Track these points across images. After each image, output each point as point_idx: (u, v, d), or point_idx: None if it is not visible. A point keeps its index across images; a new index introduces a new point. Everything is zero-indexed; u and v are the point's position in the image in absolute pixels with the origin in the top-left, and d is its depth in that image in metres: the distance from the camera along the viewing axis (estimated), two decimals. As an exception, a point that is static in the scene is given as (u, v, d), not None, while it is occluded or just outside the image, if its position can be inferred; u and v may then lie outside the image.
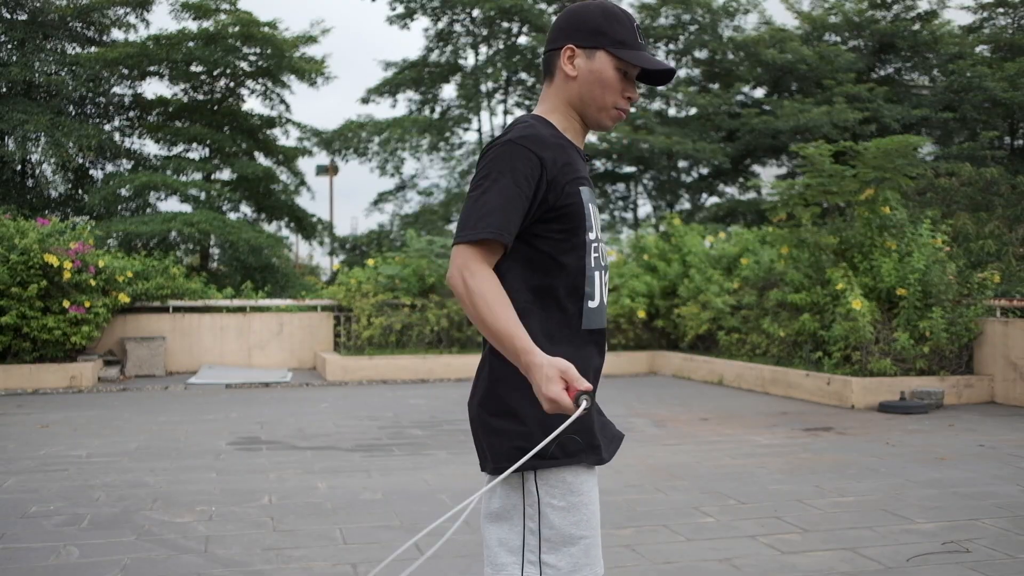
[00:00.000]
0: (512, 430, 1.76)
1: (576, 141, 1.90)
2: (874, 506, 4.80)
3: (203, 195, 19.12)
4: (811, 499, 4.98)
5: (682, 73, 25.41)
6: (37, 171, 20.87)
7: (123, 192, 19.26)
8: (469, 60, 24.73)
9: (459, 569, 3.77)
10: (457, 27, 24.40)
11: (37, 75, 18.87)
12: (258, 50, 20.14)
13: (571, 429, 1.72)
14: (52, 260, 10.20)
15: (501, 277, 1.76)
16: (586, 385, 1.62)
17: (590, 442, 1.80)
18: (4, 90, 19.35)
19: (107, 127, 20.99)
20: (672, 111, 24.75)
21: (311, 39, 20.66)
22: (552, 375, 1.60)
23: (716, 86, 24.50)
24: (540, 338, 1.75)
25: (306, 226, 22.79)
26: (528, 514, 1.77)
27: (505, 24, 23.90)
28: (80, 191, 20.99)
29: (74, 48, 20.58)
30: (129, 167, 20.77)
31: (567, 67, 1.86)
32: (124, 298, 11.35)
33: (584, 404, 1.60)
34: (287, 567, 3.79)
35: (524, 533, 1.77)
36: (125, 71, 20.02)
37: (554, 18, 22.93)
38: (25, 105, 18.61)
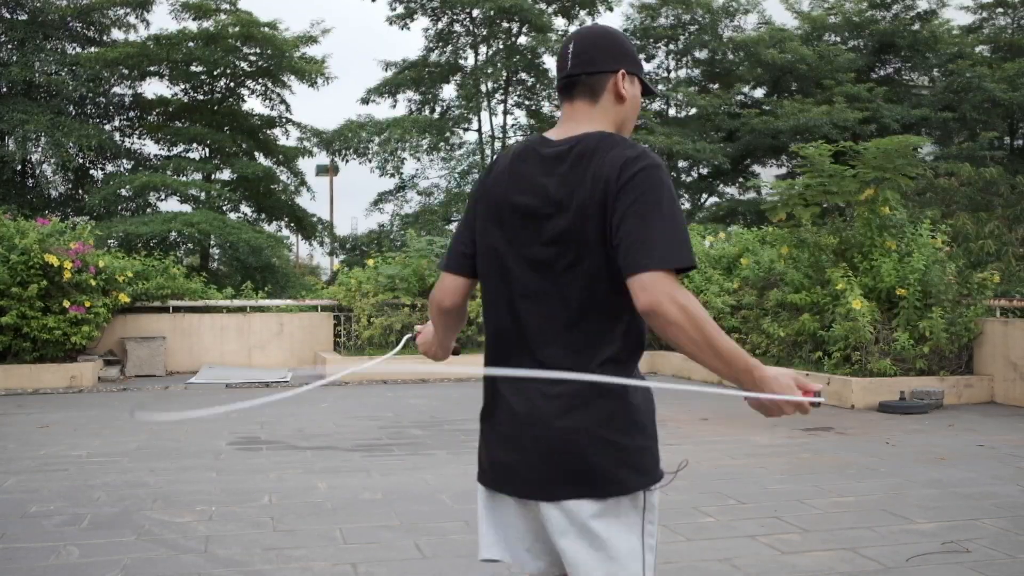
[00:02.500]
0: (644, 446, 1.81)
1: None
2: (874, 506, 4.80)
3: (203, 195, 19.14)
4: (811, 499, 4.98)
5: (682, 73, 25.45)
6: (37, 171, 20.89)
7: (123, 192, 19.28)
8: (469, 60, 24.75)
9: (459, 569, 3.78)
10: (457, 27, 24.41)
11: (37, 75, 18.88)
12: (258, 50, 20.15)
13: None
14: (52, 260, 10.19)
15: (624, 300, 1.74)
16: (817, 387, 1.72)
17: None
18: (4, 90, 19.36)
19: (107, 127, 21.00)
20: (672, 111, 24.76)
21: (311, 39, 20.67)
22: (790, 383, 1.69)
23: (716, 86, 24.51)
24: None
25: (306, 226, 22.80)
26: (647, 531, 1.82)
27: (505, 24, 23.90)
28: (80, 191, 21.00)
29: (74, 48, 20.59)
30: (129, 167, 20.79)
31: (623, 91, 1.88)
32: (124, 298, 11.35)
33: (823, 399, 1.74)
34: (287, 567, 3.79)
35: (643, 550, 1.81)
36: (125, 71, 20.04)
37: (555, 19, 22.80)
38: (25, 105, 18.62)
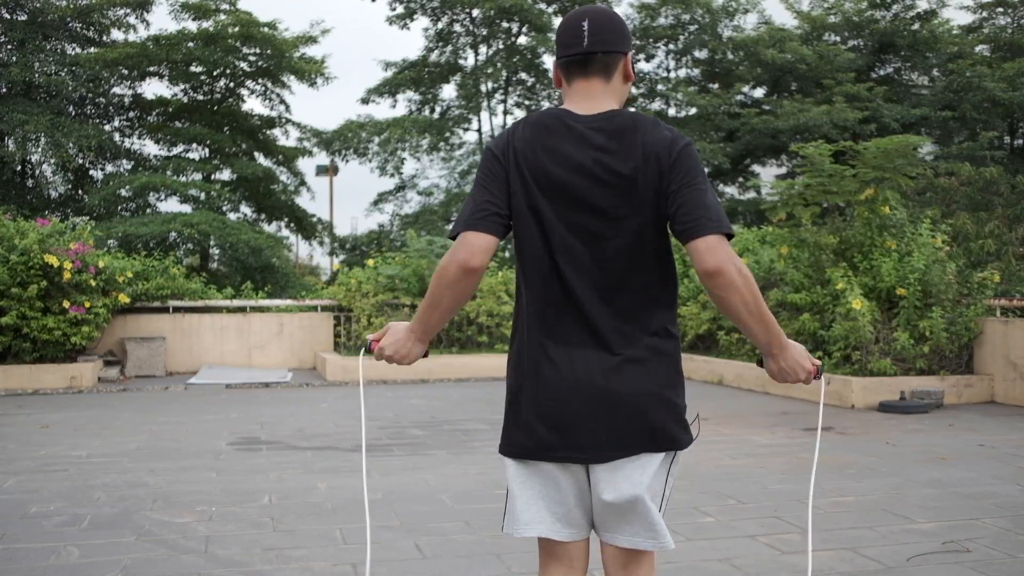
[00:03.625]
0: (686, 404, 2.04)
1: None
2: (874, 506, 4.80)
3: (203, 195, 19.13)
4: (811, 499, 4.98)
5: (682, 73, 25.44)
6: (37, 171, 20.89)
7: (123, 192, 19.27)
8: (469, 60, 24.74)
9: (459, 569, 3.77)
10: (457, 27, 24.41)
11: (37, 75, 18.88)
12: (258, 50, 20.15)
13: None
14: (52, 260, 10.19)
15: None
16: (818, 362, 2.05)
17: None
18: (4, 90, 19.35)
19: (107, 127, 20.99)
20: (672, 111, 24.75)
21: (311, 39, 20.67)
22: (804, 351, 2.03)
23: (716, 86, 24.51)
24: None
25: (306, 226, 22.79)
26: (671, 482, 2.01)
27: (505, 24, 23.89)
28: (80, 191, 21.00)
29: (74, 48, 20.59)
30: (129, 167, 20.78)
31: (631, 71, 2.02)
32: (124, 298, 11.35)
33: (825, 376, 2.05)
34: (287, 567, 3.79)
35: (663, 502, 2.00)
36: (125, 71, 20.03)
37: (555, 19, 22.86)
38: (25, 105, 18.61)
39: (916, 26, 22.88)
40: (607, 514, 1.95)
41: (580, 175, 1.88)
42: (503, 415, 2.06)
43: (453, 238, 1.92)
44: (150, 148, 22.12)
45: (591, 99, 1.96)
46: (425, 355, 2.07)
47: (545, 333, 1.91)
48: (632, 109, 2.01)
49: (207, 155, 20.91)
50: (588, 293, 1.89)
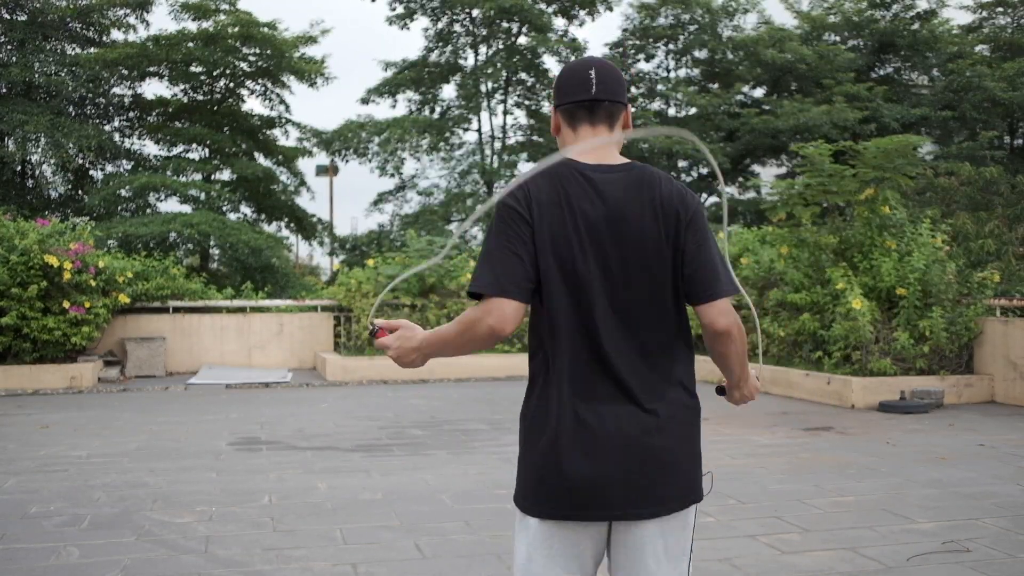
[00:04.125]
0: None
1: None
2: (874, 506, 4.80)
3: (203, 196, 19.13)
4: (811, 499, 4.98)
5: (682, 73, 25.44)
6: (37, 172, 20.88)
7: (123, 193, 19.26)
8: (469, 60, 24.72)
9: (459, 569, 3.78)
10: (457, 27, 24.39)
11: (37, 76, 18.87)
12: (258, 50, 20.14)
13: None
14: (52, 261, 10.19)
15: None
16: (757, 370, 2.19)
17: None
18: (4, 91, 19.35)
19: (107, 127, 20.99)
20: (672, 111, 24.75)
21: (311, 39, 20.66)
22: (751, 371, 2.14)
23: (716, 86, 24.50)
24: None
25: (306, 226, 22.78)
26: (692, 541, 2.01)
27: (505, 24, 23.88)
28: (80, 192, 20.99)
29: (74, 49, 20.58)
30: (129, 168, 20.77)
31: (630, 123, 2.07)
32: (124, 298, 11.34)
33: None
34: (287, 567, 3.79)
35: (689, 560, 2.00)
36: (125, 72, 20.02)
37: (555, 19, 22.82)
38: (25, 106, 18.61)
39: (916, 26, 22.88)
40: (639, 573, 1.94)
41: (601, 229, 1.89)
42: (518, 470, 2.01)
43: (477, 295, 1.88)
44: (150, 148, 22.11)
45: (601, 148, 1.97)
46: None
47: (574, 388, 1.89)
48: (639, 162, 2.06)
49: (207, 155, 20.90)
50: (615, 347, 1.89)
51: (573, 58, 22.96)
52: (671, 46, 24.82)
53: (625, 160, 1.97)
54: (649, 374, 1.91)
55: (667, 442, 1.91)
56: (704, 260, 1.92)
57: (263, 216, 22.23)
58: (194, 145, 20.78)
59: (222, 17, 19.59)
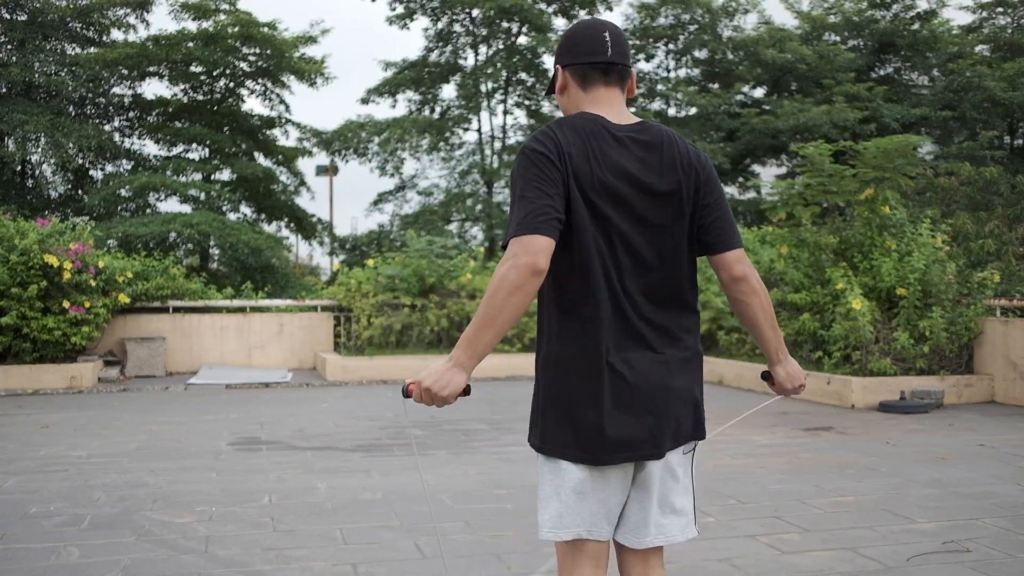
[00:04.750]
0: None
1: None
2: (874, 506, 4.80)
3: (203, 196, 19.13)
4: (811, 499, 4.98)
5: (682, 73, 25.44)
6: (37, 171, 20.88)
7: (123, 193, 19.27)
8: (469, 60, 24.73)
9: (459, 569, 3.77)
10: (457, 27, 24.39)
11: (37, 75, 18.88)
12: (258, 50, 20.15)
13: None
14: (52, 260, 10.19)
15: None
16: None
17: None
18: (4, 90, 19.35)
19: (107, 127, 20.99)
20: (672, 111, 24.76)
21: (311, 39, 20.66)
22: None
23: (716, 86, 24.50)
24: None
25: (306, 226, 22.79)
26: (694, 475, 2.15)
27: (505, 24, 23.88)
28: (80, 191, 21.00)
29: (74, 48, 20.58)
30: (129, 168, 20.78)
31: (634, 89, 2.14)
32: (124, 298, 11.35)
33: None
34: (287, 567, 3.79)
35: (693, 489, 2.14)
36: (125, 71, 20.03)
37: (555, 19, 22.85)
38: (25, 105, 18.62)
39: (916, 26, 22.88)
40: (656, 508, 2.03)
41: (628, 183, 1.95)
42: (543, 416, 1.99)
43: (504, 246, 1.87)
44: (150, 148, 22.15)
45: (616, 108, 2.03)
46: (467, 391, 1.87)
47: (605, 336, 1.94)
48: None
49: (207, 155, 20.91)
50: (637, 296, 1.97)
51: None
52: (671, 46, 24.82)
53: (639, 119, 2.05)
54: (662, 322, 2.00)
55: (682, 382, 2.02)
56: (722, 212, 2.05)
57: (263, 216, 22.23)
58: (194, 145, 20.78)
59: (222, 17, 19.59)
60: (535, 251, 1.82)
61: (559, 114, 2.12)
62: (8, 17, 19.66)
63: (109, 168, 21.13)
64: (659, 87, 24.89)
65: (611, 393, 1.93)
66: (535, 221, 1.84)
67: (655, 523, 2.03)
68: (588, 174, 1.91)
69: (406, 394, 1.88)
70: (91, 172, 21.26)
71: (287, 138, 22.78)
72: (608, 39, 2.01)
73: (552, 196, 1.87)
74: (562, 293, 1.96)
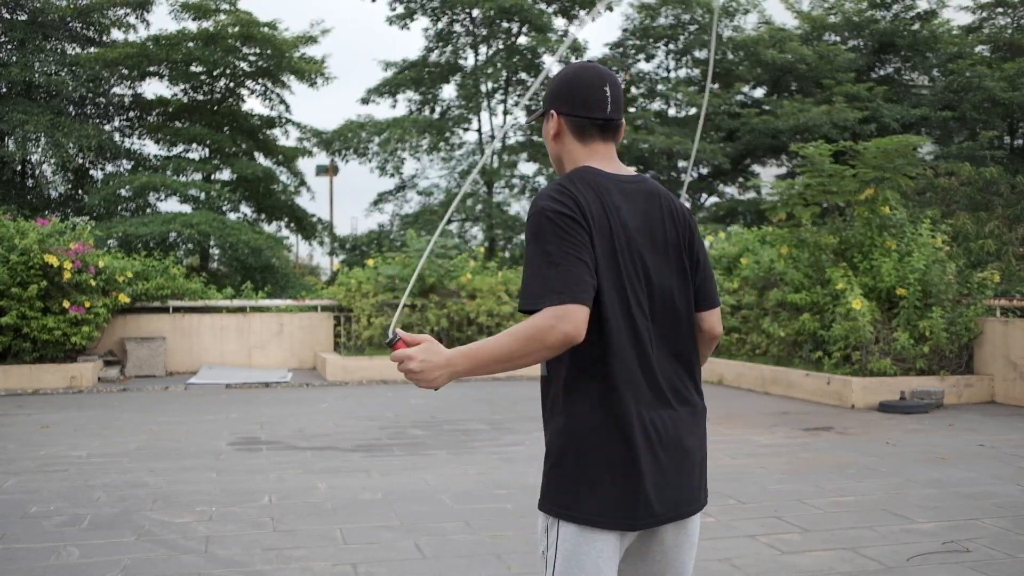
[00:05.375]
0: None
1: None
2: (874, 506, 4.80)
3: (203, 195, 19.13)
4: (811, 499, 4.98)
5: (682, 73, 25.43)
6: (37, 171, 20.88)
7: (123, 192, 19.27)
8: (469, 60, 24.73)
9: (459, 569, 3.78)
10: (457, 27, 24.39)
11: (37, 75, 18.88)
12: (258, 50, 20.14)
13: None
14: (52, 260, 10.19)
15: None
16: None
17: None
18: (4, 90, 19.35)
19: (107, 127, 20.99)
20: (672, 111, 24.75)
21: (311, 39, 20.66)
22: None
23: (716, 86, 24.50)
24: None
25: (306, 226, 22.79)
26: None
27: (505, 24, 23.88)
28: (80, 191, 20.99)
29: (74, 48, 20.58)
30: (129, 167, 20.78)
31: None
32: (124, 298, 11.35)
33: None
34: (287, 567, 3.79)
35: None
36: (125, 71, 20.03)
37: (555, 19, 22.86)
38: (25, 105, 18.61)
39: (916, 26, 22.87)
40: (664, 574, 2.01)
41: (639, 235, 1.94)
42: (571, 482, 1.89)
43: (527, 312, 1.81)
44: (150, 148, 22.12)
45: (613, 160, 2.02)
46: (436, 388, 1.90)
47: (634, 395, 1.89)
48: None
49: (207, 155, 20.91)
50: (656, 352, 1.94)
51: (574, 59, 22.96)
52: (671, 46, 24.82)
53: (632, 169, 2.05)
54: (677, 378, 1.99)
55: (696, 442, 2.02)
56: (709, 269, 2.08)
57: (263, 216, 22.23)
58: (194, 145, 20.78)
59: (222, 17, 19.59)
60: (578, 323, 1.78)
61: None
62: (8, 17, 19.66)
63: (109, 168, 21.13)
64: (659, 87, 24.88)
65: (650, 456, 1.88)
66: (576, 290, 1.79)
67: None
68: (608, 231, 1.88)
69: (391, 345, 1.86)
70: (91, 172, 21.25)
71: (287, 138, 22.79)
72: (608, 94, 1.97)
73: (586, 261, 1.83)
74: (584, 354, 1.87)
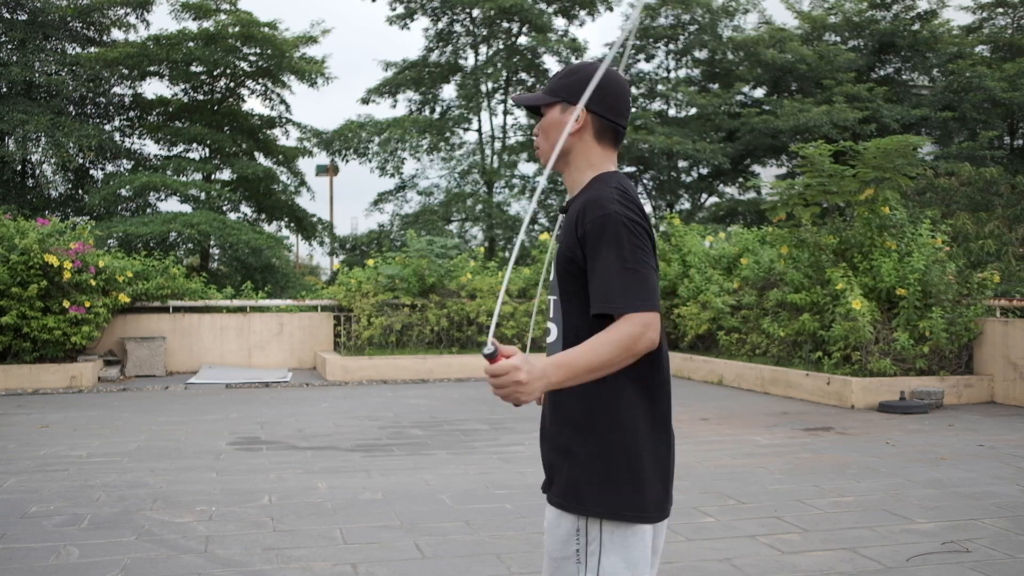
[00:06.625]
0: None
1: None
2: (874, 506, 4.80)
3: (203, 195, 19.14)
4: (811, 499, 4.98)
5: (682, 73, 25.43)
6: (37, 171, 20.89)
7: (123, 192, 19.29)
8: (469, 60, 24.74)
9: (459, 569, 3.78)
10: (457, 27, 24.41)
11: (37, 75, 18.89)
12: (258, 50, 20.16)
13: None
14: (52, 260, 10.20)
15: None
16: None
17: None
18: (4, 90, 19.36)
19: (107, 127, 21.00)
20: (672, 111, 24.75)
21: (311, 39, 20.68)
22: None
23: (716, 86, 24.51)
24: None
25: (306, 226, 22.80)
26: None
27: (505, 24, 23.89)
28: (80, 191, 21.01)
29: (74, 48, 20.60)
30: (129, 167, 20.80)
31: None
32: (124, 298, 11.35)
33: None
34: (287, 567, 3.79)
35: None
36: (125, 71, 20.05)
37: (555, 19, 22.90)
38: (25, 105, 18.62)
39: (916, 26, 22.88)
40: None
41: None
42: (624, 478, 1.89)
43: (607, 314, 1.83)
44: (150, 148, 22.17)
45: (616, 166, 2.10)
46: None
47: (667, 395, 2.00)
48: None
49: (207, 155, 20.92)
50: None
51: (574, 59, 22.99)
52: (671, 46, 24.82)
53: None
54: None
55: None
56: None
57: (263, 216, 22.25)
58: (194, 145, 20.80)
59: (222, 17, 19.61)
60: (660, 331, 1.85)
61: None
62: (8, 17, 19.66)
63: (109, 168, 21.16)
64: (659, 87, 24.88)
65: (670, 447, 1.99)
66: (653, 298, 1.82)
67: None
68: (653, 237, 1.96)
69: (490, 358, 1.69)
70: (91, 172, 21.27)
71: (287, 138, 22.82)
72: (630, 104, 2.07)
73: (656, 269, 1.90)
74: (641, 359, 1.88)
